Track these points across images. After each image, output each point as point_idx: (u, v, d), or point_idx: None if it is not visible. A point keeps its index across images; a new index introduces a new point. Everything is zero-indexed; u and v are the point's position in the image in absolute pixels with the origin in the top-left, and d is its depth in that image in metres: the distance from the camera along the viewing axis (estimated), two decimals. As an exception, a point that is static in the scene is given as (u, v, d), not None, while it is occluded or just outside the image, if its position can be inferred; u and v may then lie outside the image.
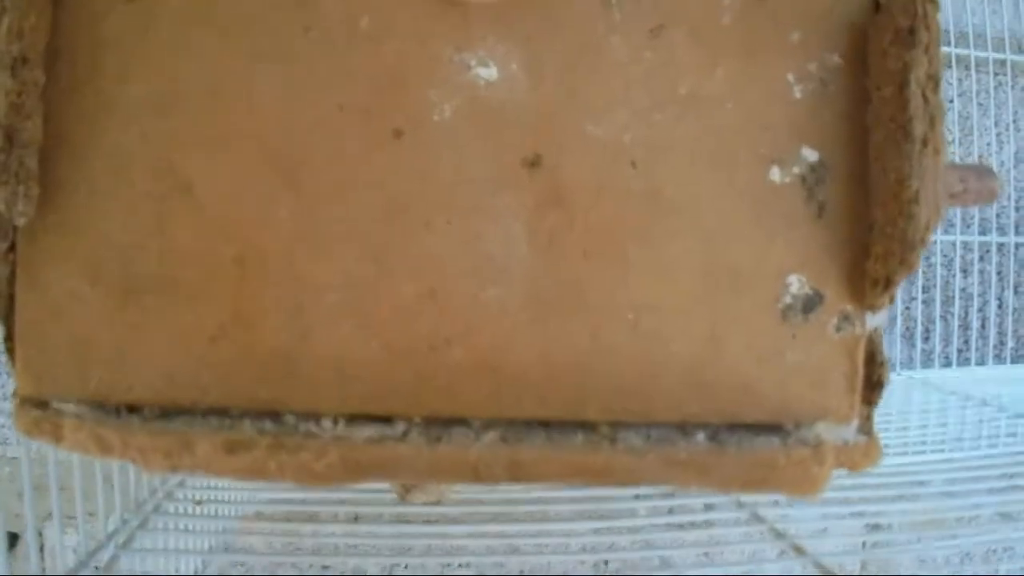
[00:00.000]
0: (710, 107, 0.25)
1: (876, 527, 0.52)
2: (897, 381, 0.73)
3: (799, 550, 0.40)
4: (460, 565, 0.62)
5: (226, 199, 0.24)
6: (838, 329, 0.25)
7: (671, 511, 0.47)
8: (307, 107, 0.24)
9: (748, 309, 0.25)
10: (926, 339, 0.80)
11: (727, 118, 0.25)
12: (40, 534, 0.60)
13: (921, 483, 0.54)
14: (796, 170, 0.25)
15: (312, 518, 0.51)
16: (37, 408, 0.25)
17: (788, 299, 0.25)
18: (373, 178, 0.24)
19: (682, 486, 0.25)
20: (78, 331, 0.24)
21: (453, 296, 0.24)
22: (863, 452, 0.26)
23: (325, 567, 0.63)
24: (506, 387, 0.24)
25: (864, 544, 0.69)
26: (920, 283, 0.79)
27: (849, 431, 0.26)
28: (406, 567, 0.64)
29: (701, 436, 0.25)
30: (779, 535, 0.42)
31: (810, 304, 0.25)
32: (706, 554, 0.58)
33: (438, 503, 0.45)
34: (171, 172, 0.24)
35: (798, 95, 0.25)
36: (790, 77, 0.25)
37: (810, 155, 0.25)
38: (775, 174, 0.25)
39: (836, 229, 0.25)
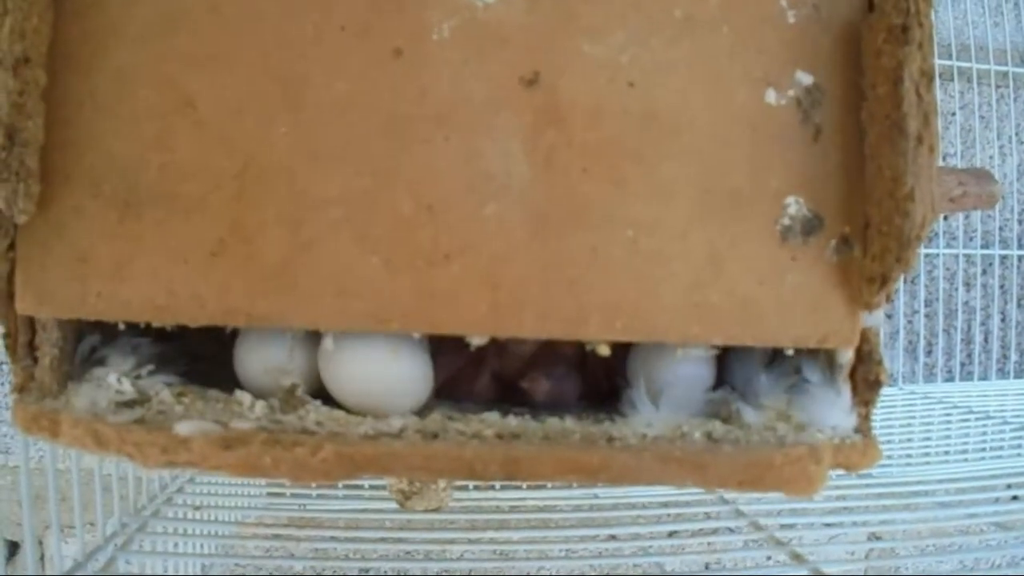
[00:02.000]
0: (705, 30, 0.25)
1: (878, 537, 0.52)
2: (900, 395, 0.73)
3: (800, 559, 0.40)
4: (461, 572, 0.62)
5: (227, 115, 0.24)
6: (837, 252, 0.25)
7: (672, 520, 0.47)
8: (308, 26, 0.24)
9: (747, 230, 0.25)
10: (929, 353, 0.79)
11: (722, 41, 0.25)
12: (40, 543, 0.60)
13: (925, 493, 0.53)
14: (791, 93, 0.25)
15: (312, 524, 0.51)
16: (35, 404, 0.25)
17: (787, 220, 0.25)
18: (373, 95, 0.24)
19: (678, 484, 0.25)
20: (79, 246, 0.24)
21: (451, 211, 0.24)
22: (861, 452, 0.26)
23: (325, 573, 0.63)
24: (505, 303, 0.24)
25: (866, 554, 0.69)
26: (923, 297, 0.78)
27: (847, 417, 0.26)
28: (407, 573, 0.64)
29: (697, 435, 0.25)
30: (779, 544, 0.42)
31: (809, 226, 0.25)
32: (707, 564, 0.58)
33: (438, 510, 0.45)
34: (173, 88, 0.24)
35: (791, 20, 0.25)
36: (783, 2, 0.25)
37: (805, 78, 0.25)
38: (771, 96, 0.25)
39: (832, 152, 0.25)
